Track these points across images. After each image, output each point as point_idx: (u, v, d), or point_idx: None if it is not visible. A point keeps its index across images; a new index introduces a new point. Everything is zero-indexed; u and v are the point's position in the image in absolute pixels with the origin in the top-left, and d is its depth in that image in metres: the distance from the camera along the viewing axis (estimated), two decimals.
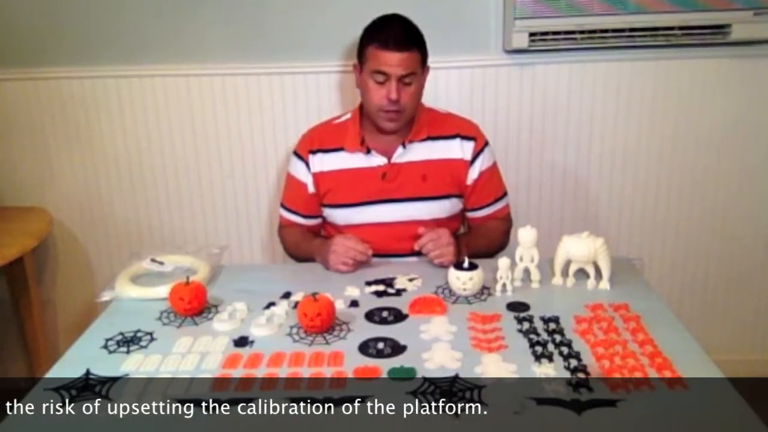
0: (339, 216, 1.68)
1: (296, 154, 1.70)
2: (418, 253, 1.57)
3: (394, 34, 1.51)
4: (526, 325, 1.23)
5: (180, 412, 1.00)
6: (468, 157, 1.64)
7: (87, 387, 1.07)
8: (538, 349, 1.13)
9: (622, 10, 1.87)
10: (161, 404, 1.01)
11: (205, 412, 0.99)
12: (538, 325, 1.23)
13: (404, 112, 1.56)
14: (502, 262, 1.35)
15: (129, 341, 1.22)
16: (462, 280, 1.33)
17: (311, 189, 1.68)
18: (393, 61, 1.50)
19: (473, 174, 1.65)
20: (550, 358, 1.11)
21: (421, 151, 1.64)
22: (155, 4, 1.96)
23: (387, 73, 1.51)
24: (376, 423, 0.97)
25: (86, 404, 1.03)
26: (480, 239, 1.66)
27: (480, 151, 1.65)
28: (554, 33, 1.88)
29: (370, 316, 1.29)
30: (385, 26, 1.54)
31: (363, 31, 1.58)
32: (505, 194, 1.73)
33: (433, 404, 0.99)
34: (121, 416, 0.99)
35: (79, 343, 1.23)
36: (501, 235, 1.71)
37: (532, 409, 0.97)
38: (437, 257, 1.51)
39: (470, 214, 1.72)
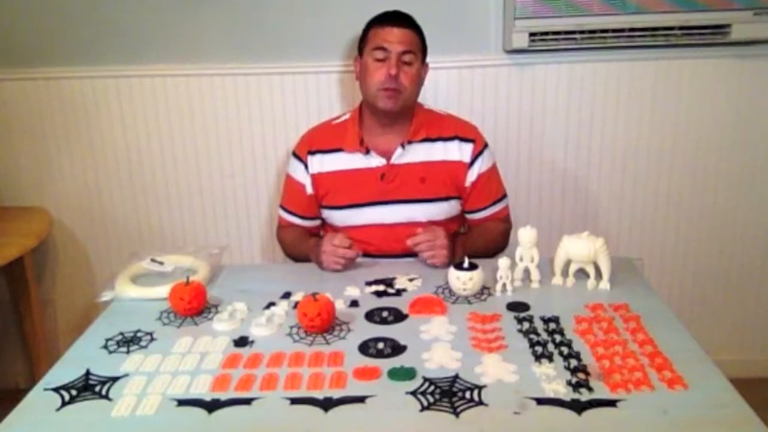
0: (338, 217, 1.68)
1: (295, 154, 1.70)
2: (415, 254, 1.56)
3: (395, 13, 1.59)
4: (526, 325, 1.23)
5: (180, 412, 1.00)
6: (467, 159, 1.64)
7: (87, 387, 1.07)
8: (538, 349, 1.13)
9: (622, 10, 1.87)
10: (161, 404, 1.02)
11: (205, 412, 0.99)
12: (538, 325, 1.23)
13: (403, 93, 1.56)
14: (502, 262, 1.35)
15: (129, 341, 1.22)
16: (462, 280, 1.33)
17: (309, 190, 1.68)
18: (394, 36, 1.54)
19: (472, 176, 1.65)
20: (550, 358, 1.11)
21: (420, 153, 1.64)
22: (155, 4, 1.96)
23: (387, 48, 1.54)
24: (376, 423, 0.97)
25: (86, 404, 1.03)
26: (477, 239, 1.66)
27: (479, 153, 1.65)
28: (554, 33, 1.88)
29: (370, 316, 1.29)
30: (387, 12, 1.61)
31: (365, 25, 1.62)
32: (504, 196, 1.73)
33: (433, 404, 0.99)
34: (121, 416, 0.99)
35: (79, 343, 1.23)
36: (499, 236, 1.71)
37: (532, 409, 0.97)
38: (429, 258, 1.51)
39: (469, 216, 1.72)
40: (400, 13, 1.60)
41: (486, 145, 1.68)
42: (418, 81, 1.61)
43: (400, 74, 1.54)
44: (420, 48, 1.60)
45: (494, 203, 1.70)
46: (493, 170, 1.69)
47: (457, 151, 1.64)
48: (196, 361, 1.14)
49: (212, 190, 2.14)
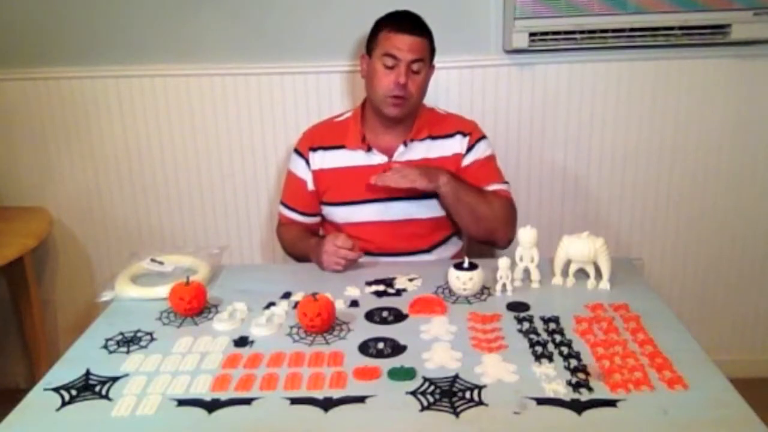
0: (338, 214, 1.68)
1: (297, 151, 1.71)
2: (417, 252, 1.56)
3: (408, 19, 1.57)
4: (526, 325, 1.23)
5: (180, 412, 1.00)
6: (464, 149, 1.65)
7: (87, 387, 1.07)
8: (538, 349, 1.14)
9: (622, 10, 1.86)
10: (161, 404, 1.02)
11: (205, 412, 0.99)
12: (538, 325, 1.23)
13: (410, 100, 1.56)
14: (502, 262, 1.35)
15: (129, 341, 1.22)
16: (462, 280, 1.33)
17: (310, 186, 1.68)
18: (405, 44, 1.53)
19: (466, 161, 1.65)
20: (550, 358, 1.11)
21: (421, 150, 1.64)
22: (155, 4, 1.96)
23: (397, 57, 1.53)
24: (376, 423, 0.97)
25: (86, 404, 1.03)
26: (477, 195, 1.58)
27: (476, 141, 1.65)
28: (554, 33, 1.88)
29: (370, 316, 1.29)
30: (398, 14, 1.59)
31: (375, 23, 1.61)
32: (504, 182, 1.66)
33: (433, 404, 0.99)
34: (121, 416, 0.99)
35: (79, 343, 1.23)
36: (499, 206, 1.59)
37: (532, 409, 0.98)
38: (401, 181, 1.51)
39: None
40: (412, 15, 1.58)
41: (484, 137, 1.67)
42: (425, 87, 1.61)
43: (408, 82, 1.54)
44: (429, 53, 1.59)
45: (490, 185, 1.63)
46: (490, 159, 1.67)
47: (458, 145, 1.64)
48: (196, 361, 1.14)
49: (212, 190, 2.14)
